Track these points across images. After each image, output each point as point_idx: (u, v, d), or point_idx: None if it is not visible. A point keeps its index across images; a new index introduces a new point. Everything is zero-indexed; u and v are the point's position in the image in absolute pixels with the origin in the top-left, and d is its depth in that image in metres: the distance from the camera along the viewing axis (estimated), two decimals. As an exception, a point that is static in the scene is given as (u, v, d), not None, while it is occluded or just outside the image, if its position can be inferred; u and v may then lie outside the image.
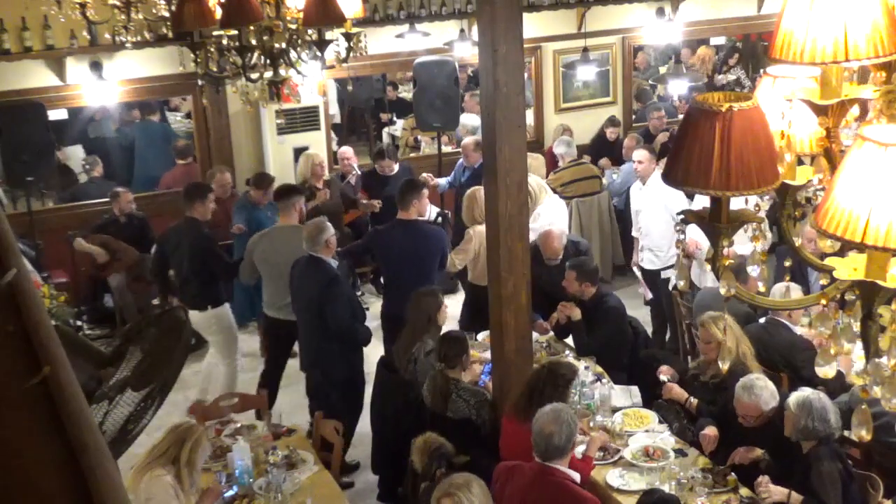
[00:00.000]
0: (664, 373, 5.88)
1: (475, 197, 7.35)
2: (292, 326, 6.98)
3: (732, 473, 4.89)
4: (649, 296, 8.32)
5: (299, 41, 5.76)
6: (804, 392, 4.77)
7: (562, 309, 6.65)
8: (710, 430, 5.25)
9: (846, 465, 4.65)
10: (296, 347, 7.25)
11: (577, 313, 6.57)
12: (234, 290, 8.07)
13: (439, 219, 9.27)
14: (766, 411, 4.99)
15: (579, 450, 5.10)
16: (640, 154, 8.10)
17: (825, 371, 2.14)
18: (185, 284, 7.36)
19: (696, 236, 7.49)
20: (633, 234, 8.38)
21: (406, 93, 12.79)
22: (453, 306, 8.23)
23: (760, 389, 5.00)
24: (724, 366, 5.43)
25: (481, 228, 7.07)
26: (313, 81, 8.81)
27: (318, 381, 6.62)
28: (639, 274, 8.47)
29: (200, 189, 7.60)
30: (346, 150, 9.70)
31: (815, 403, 4.64)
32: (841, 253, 2.15)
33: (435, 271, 7.16)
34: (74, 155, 10.95)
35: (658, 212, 7.86)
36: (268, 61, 5.71)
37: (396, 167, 9.18)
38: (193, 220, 7.29)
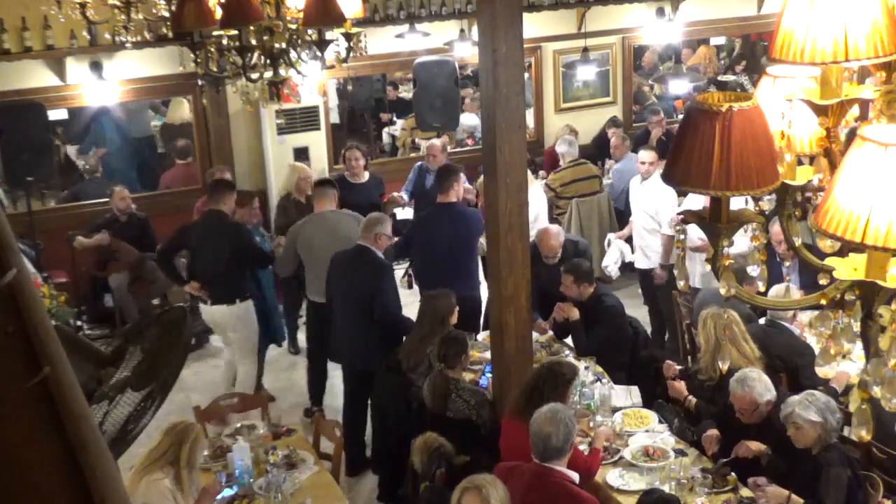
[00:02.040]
0: (671, 370, 5.88)
1: None
2: None
3: (732, 473, 4.89)
4: (629, 258, 8.60)
5: (299, 41, 5.76)
6: (801, 397, 4.70)
7: (559, 311, 6.66)
8: (712, 432, 5.25)
9: (856, 471, 4.63)
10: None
11: (574, 313, 6.57)
12: None
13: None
14: (762, 404, 4.99)
15: (584, 446, 5.10)
16: (647, 155, 8.11)
17: (825, 371, 2.15)
18: (216, 278, 7.18)
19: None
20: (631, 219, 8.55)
21: (406, 93, 12.80)
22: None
23: (753, 381, 5.02)
24: (724, 366, 5.48)
25: None
26: (313, 81, 8.81)
27: (357, 370, 6.64)
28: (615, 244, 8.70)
29: (227, 183, 7.60)
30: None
31: (822, 398, 4.64)
32: (841, 253, 2.15)
33: (476, 252, 7.35)
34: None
35: (648, 213, 8.04)
36: (268, 61, 5.70)
37: (367, 175, 8.92)
38: (221, 213, 7.24)
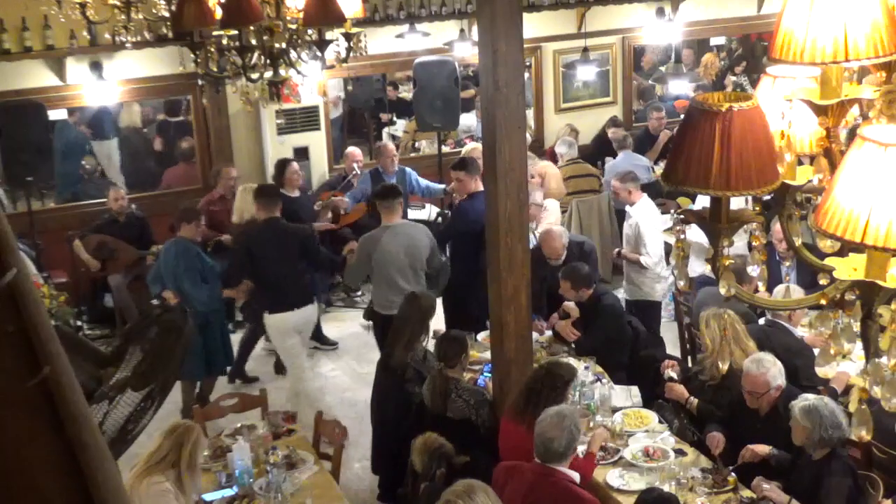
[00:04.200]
0: (671, 368, 5.87)
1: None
2: None
3: (733, 473, 4.89)
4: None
5: (299, 41, 5.76)
6: (808, 399, 4.70)
7: (564, 329, 6.65)
8: (717, 433, 5.26)
9: (857, 480, 4.62)
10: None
11: (574, 311, 6.58)
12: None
13: (439, 218, 9.28)
14: (773, 388, 5.02)
15: (580, 449, 5.10)
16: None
17: (825, 371, 2.15)
18: (290, 284, 7.10)
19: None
20: None
21: (406, 93, 12.79)
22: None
23: (769, 364, 5.09)
24: (724, 366, 5.48)
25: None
26: (313, 81, 8.81)
27: None
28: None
29: (275, 189, 7.56)
30: (356, 151, 9.69)
31: (824, 410, 4.59)
32: (841, 253, 2.15)
33: None
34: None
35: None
36: (268, 61, 5.70)
37: (297, 192, 8.78)
38: (279, 219, 7.23)
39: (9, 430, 1.01)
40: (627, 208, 7.77)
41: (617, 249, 8.04)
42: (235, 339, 8.17)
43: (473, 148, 8.96)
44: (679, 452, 5.19)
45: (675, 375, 5.81)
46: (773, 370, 5.06)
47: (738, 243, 5.80)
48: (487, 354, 6.20)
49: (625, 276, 7.88)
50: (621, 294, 7.87)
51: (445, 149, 10.41)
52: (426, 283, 7.17)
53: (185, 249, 7.12)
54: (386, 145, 9.25)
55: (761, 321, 6.23)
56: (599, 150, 10.76)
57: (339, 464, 5.60)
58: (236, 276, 7.36)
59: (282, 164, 8.81)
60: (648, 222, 7.57)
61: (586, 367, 6.11)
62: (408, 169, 9.26)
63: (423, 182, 9.25)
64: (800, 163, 2.39)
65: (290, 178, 8.64)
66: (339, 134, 12.14)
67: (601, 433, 5.23)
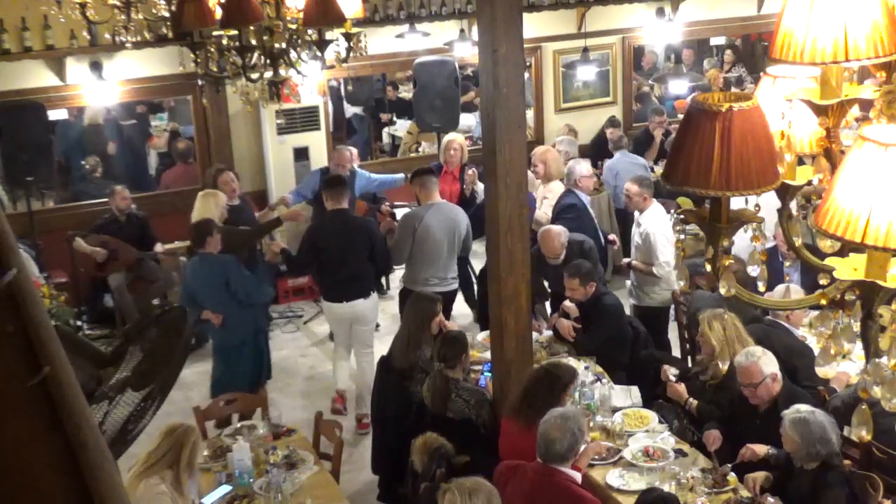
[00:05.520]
0: (671, 370, 5.86)
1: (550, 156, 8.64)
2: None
3: (732, 473, 4.88)
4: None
5: (299, 41, 5.76)
6: (799, 412, 4.64)
7: (565, 328, 6.65)
8: (714, 431, 5.26)
9: (853, 489, 4.60)
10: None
11: (574, 311, 6.57)
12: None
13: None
14: (767, 375, 5.02)
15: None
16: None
17: (825, 371, 2.15)
18: (348, 275, 7.15)
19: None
20: None
21: (406, 93, 12.80)
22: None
23: (760, 352, 5.11)
24: (724, 366, 5.48)
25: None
26: (313, 81, 8.80)
27: None
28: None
29: (342, 180, 7.55)
30: (354, 150, 9.67)
31: (813, 425, 4.53)
32: (841, 253, 2.15)
33: None
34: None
35: None
36: (268, 61, 5.71)
37: (237, 201, 8.52)
38: (346, 210, 7.31)
39: (9, 430, 1.01)
40: (637, 215, 7.59)
41: (627, 260, 7.84)
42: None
43: (452, 139, 8.88)
44: (679, 452, 5.18)
45: (673, 376, 5.81)
46: (763, 358, 5.07)
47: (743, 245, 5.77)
48: (487, 354, 6.19)
49: (633, 282, 7.71)
50: (627, 299, 7.82)
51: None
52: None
53: (218, 259, 6.87)
54: (342, 153, 8.88)
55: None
56: (599, 151, 10.76)
57: (339, 464, 5.60)
58: (302, 266, 7.58)
59: (216, 173, 8.61)
60: (659, 231, 7.30)
61: (586, 367, 6.11)
62: (358, 168, 9.15)
63: (377, 177, 9.06)
64: (800, 163, 2.39)
65: (225, 189, 8.29)
66: (357, 132, 12.12)
67: (593, 447, 5.11)
